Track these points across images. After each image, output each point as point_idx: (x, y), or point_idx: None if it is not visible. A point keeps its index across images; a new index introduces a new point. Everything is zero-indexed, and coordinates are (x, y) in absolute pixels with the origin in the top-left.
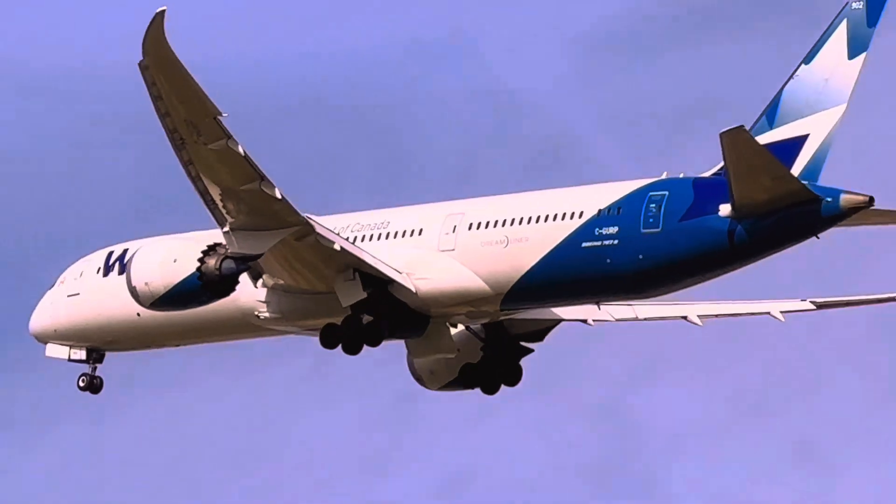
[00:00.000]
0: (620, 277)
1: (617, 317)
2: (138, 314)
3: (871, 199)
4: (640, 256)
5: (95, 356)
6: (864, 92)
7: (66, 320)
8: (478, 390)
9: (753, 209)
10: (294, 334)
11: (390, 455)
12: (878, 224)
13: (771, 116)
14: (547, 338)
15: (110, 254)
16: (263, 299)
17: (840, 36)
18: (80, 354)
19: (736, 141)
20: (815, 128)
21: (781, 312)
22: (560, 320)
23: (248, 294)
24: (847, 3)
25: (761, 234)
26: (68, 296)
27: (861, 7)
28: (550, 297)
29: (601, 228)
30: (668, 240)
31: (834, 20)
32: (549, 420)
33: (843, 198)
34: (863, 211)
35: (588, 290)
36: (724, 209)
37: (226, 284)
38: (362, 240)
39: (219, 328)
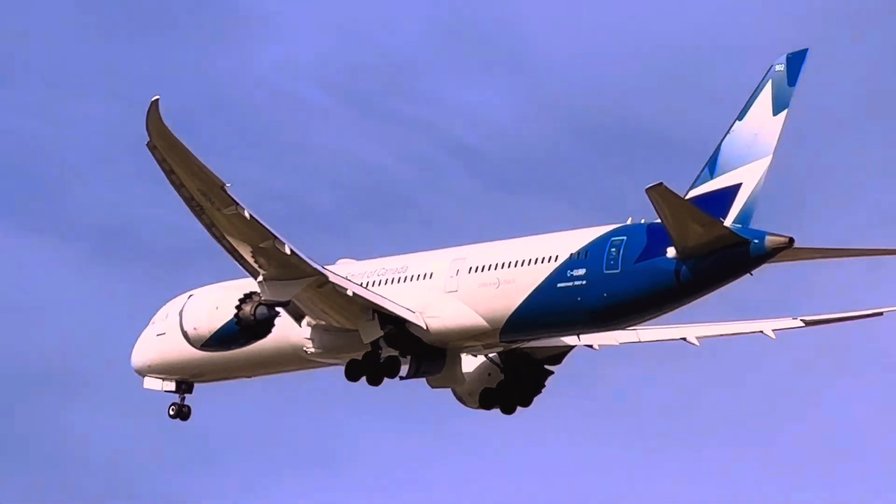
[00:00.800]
0: (589, 313)
1: (620, 341)
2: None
3: (792, 240)
4: (605, 294)
5: (184, 387)
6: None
7: (156, 357)
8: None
9: (693, 251)
10: (337, 365)
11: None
12: (802, 260)
13: (712, 167)
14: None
15: (190, 297)
16: (308, 336)
17: (766, 95)
18: (171, 386)
19: (659, 195)
20: (746, 177)
21: (773, 330)
22: (574, 346)
23: (297, 332)
24: (772, 67)
25: (702, 273)
26: (157, 335)
27: (783, 70)
28: (538, 331)
29: (572, 270)
30: (626, 279)
31: (761, 81)
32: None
33: (768, 239)
34: (786, 249)
35: (566, 324)
36: (671, 251)
37: (261, 328)
38: (386, 283)
39: (277, 362)
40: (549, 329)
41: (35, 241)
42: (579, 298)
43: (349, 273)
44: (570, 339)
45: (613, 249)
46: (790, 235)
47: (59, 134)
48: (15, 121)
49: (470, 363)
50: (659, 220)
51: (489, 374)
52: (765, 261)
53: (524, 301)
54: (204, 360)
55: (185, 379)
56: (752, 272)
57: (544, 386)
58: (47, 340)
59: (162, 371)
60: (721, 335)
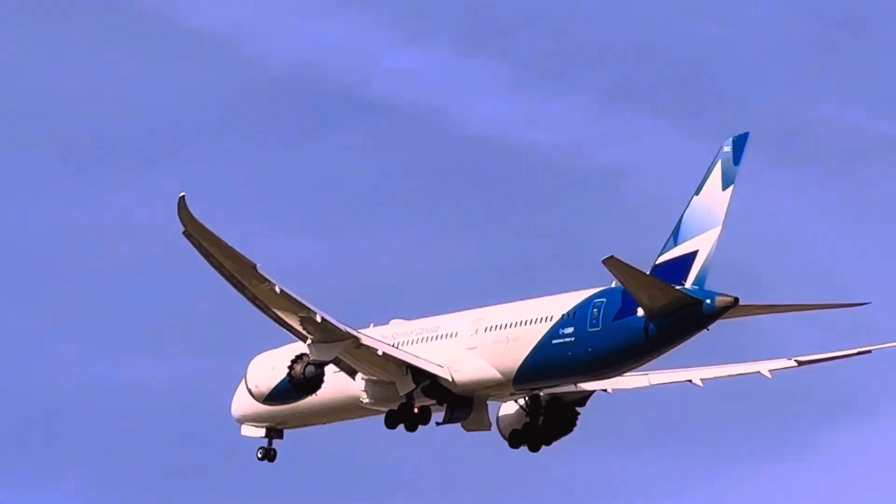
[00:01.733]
0: (578, 365)
1: (632, 386)
2: (308, 401)
3: (737, 299)
4: (589, 349)
5: (273, 434)
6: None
7: (248, 408)
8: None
9: (657, 311)
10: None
11: None
12: (750, 315)
13: (675, 237)
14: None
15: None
16: (363, 389)
17: (717, 172)
18: (261, 433)
19: (612, 266)
20: (701, 245)
21: (770, 371)
22: (594, 391)
23: (354, 386)
24: (721, 148)
25: (666, 330)
26: (248, 388)
27: (730, 150)
28: (541, 380)
29: (563, 329)
30: (605, 336)
31: (713, 160)
32: None
33: (717, 299)
34: (734, 307)
35: (562, 374)
36: (640, 311)
37: (311, 384)
38: (422, 341)
39: (341, 410)
40: (550, 378)
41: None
42: (570, 353)
43: (395, 332)
44: (589, 386)
45: (595, 310)
46: (735, 295)
47: (735, 36)
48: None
49: (511, 407)
50: None
51: (518, 418)
52: (717, 317)
53: (528, 356)
54: (285, 410)
55: (272, 426)
56: (708, 328)
57: (575, 425)
58: None
59: (254, 420)
60: (722, 376)
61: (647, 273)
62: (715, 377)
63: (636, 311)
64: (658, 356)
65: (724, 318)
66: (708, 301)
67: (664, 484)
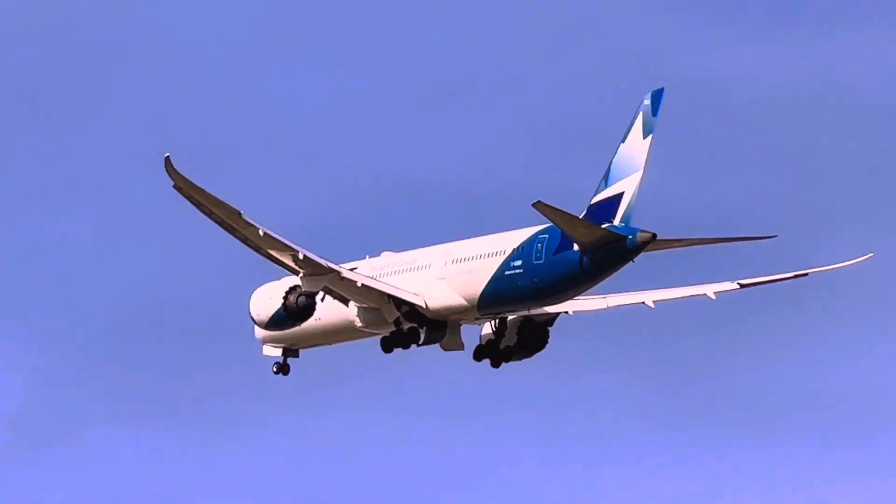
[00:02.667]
0: (527, 293)
1: (592, 307)
2: (311, 324)
3: (654, 235)
4: (535, 279)
5: (289, 353)
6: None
7: (264, 332)
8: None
9: (588, 246)
10: (380, 334)
11: None
12: (670, 248)
13: (606, 180)
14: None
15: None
16: (356, 314)
17: (638, 123)
18: (278, 352)
19: (540, 209)
20: (626, 187)
21: (714, 293)
22: (559, 313)
23: (349, 312)
24: (641, 101)
25: (598, 262)
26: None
27: (648, 103)
28: (500, 307)
29: (513, 262)
30: (547, 267)
31: (635, 112)
32: None
33: (638, 235)
34: (653, 241)
35: (515, 301)
36: (576, 246)
37: (304, 312)
38: (402, 272)
39: (341, 332)
40: (506, 305)
41: None
42: (519, 283)
43: (383, 264)
44: (552, 308)
45: (539, 245)
46: (653, 232)
47: None
48: None
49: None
50: None
51: (487, 337)
52: (640, 251)
53: (486, 285)
54: (294, 333)
55: (286, 346)
56: (634, 259)
57: (547, 342)
58: None
59: (271, 342)
60: (672, 298)
61: (573, 214)
62: (665, 299)
63: (573, 246)
64: (594, 284)
65: (648, 251)
66: (630, 237)
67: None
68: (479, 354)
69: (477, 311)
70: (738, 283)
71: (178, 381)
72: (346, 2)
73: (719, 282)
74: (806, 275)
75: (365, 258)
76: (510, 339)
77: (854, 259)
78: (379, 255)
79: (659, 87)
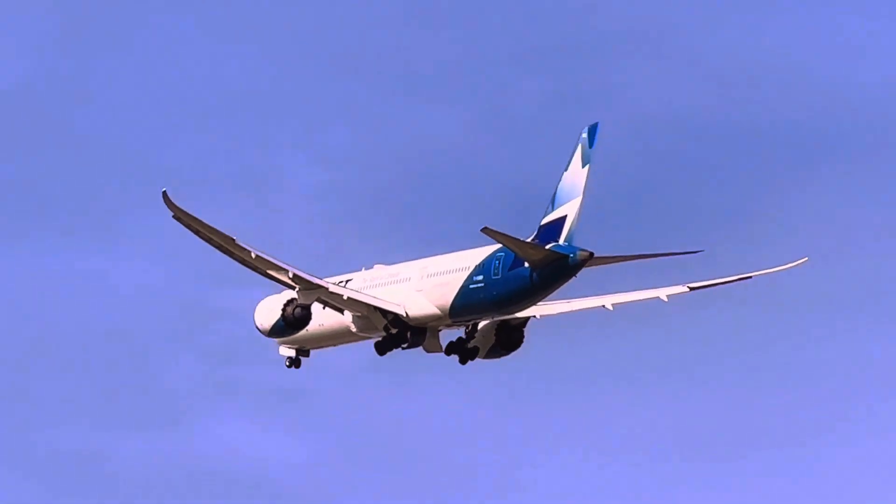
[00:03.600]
0: (488, 304)
1: (557, 311)
2: (307, 330)
3: (592, 254)
4: (494, 292)
5: (300, 352)
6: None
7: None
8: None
9: (536, 264)
10: (373, 338)
11: None
12: (607, 264)
13: (552, 204)
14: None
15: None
16: (351, 321)
17: (578, 153)
18: (292, 352)
19: (489, 234)
20: (569, 210)
21: (667, 296)
22: (530, 317)
23: (346, 318)
24: (580, 133)
25: (545, 278)
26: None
27: (586, 136)
28: (467, 315)
29: (475, 276)
30: (504, 282)
31: (576, 143)
32: None
33: (578, 254)
34: (591, 259)
35: (479, 311)
36: (527, 263)
37: (300, 322)
38: (388, 284)
39: (341, 336)
40: (473, 314)
41: None
42: (482, 295)
43: (373, 276)
44: (522, 313)
45: (496, 262)
46: (591, 250)
47: None
48: None
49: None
50: (527, 240)
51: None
52: (581, 267)
53: (455, 296)
54: (303, 336)
55: (297, 347)
56: (576, 274)
57: (522, 342)
58: None
59: (284, 343)
60: (629, 301)
61: (518, 238)
62: (622, 302)
63: (524, 264)
64: (545, 296)
65: (589, 265)
66: (571, 255)
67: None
68: (449, 350)
69: (449, 319)
70: (688, 286)
71: None
72: None
73: (671, 285)
74: (750, 277)
75: (361, 270)
76: (488, 340)
77: (792, 262)
78: (372, 267)
79: (594, 122)
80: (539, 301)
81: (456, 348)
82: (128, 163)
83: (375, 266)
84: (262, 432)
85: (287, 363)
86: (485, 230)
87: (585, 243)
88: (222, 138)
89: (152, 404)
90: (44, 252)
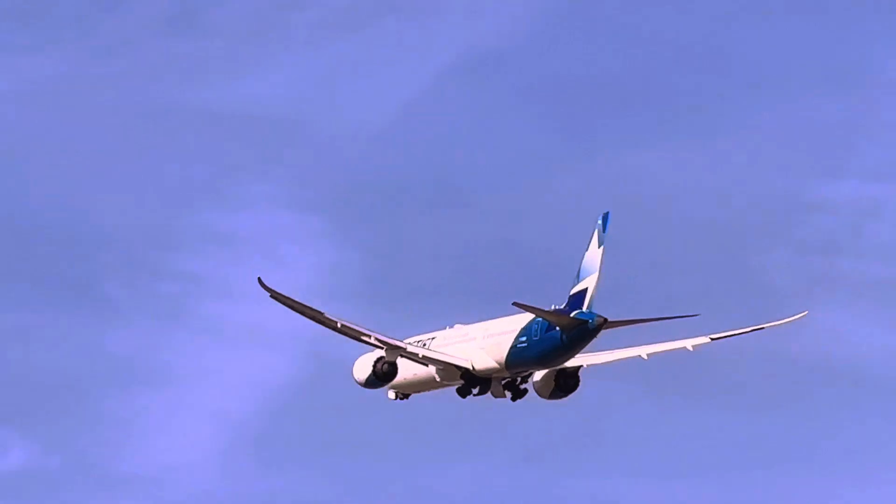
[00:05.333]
0: (532, 359)
1: (601, 361)
2: (405, 378)
3: (606, 319)
4: (535, 351)
5: (402, 396)
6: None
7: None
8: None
9: (564, 328)
10: (455, 385)
11: None
12: (620, 327)
13: (578, 277)
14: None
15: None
16: (435, 372)
17: (596, 236)
18: (392, 395)
19: (519, 306)
20: (589, 284)
21: (692, 346)
22: (580, 366)
23: (431, 370)
24: (596, 221)
25: (572, 339)
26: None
27: (601, 223)
28: (519, 367)
29: (521, 338)
30: (541, 343)
31: (593, 228)
32: None
33: (595, 319)
34: (606, 323)
35: (528, 365)
36: (558, 328)
37: (388, 376)
38: (459, 342)
39: (430, 384)
40: (523, 366)
41: None
42: (526, 353)
43: (448, 335)
44: (572, 363)
45: (535, 326)
46: (605, 316)
47: None
48: None
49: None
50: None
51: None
52: (599, 330)
53: (507, 353)
54: (402, 383)
55: (399, 391)
56: (597, 336)
57: (578, 385)
58: None
59: (391, 389)
60: (661, 351)
61: (543, 308)
62: (655, 352)
63: (556, 328)
64: (575, 354)
65: (607, 328)
66: (591, 321)
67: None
68: (506, 387)
69: (507, 371)
70: (710, 337)
71: None
72: None
73: (695, 336)
74: (762, 328)
75: (445, 328)
76: (548, 385)
77: (793, 317)
78: (453, 326)
79: (606, 210)
80: (572, 357)
81: (508, 387)
82: None
83: (456, 325)
84: None
85: (394, 398)
86: (515, 303)
87: (605, 310)
88: None
89: None
90: None
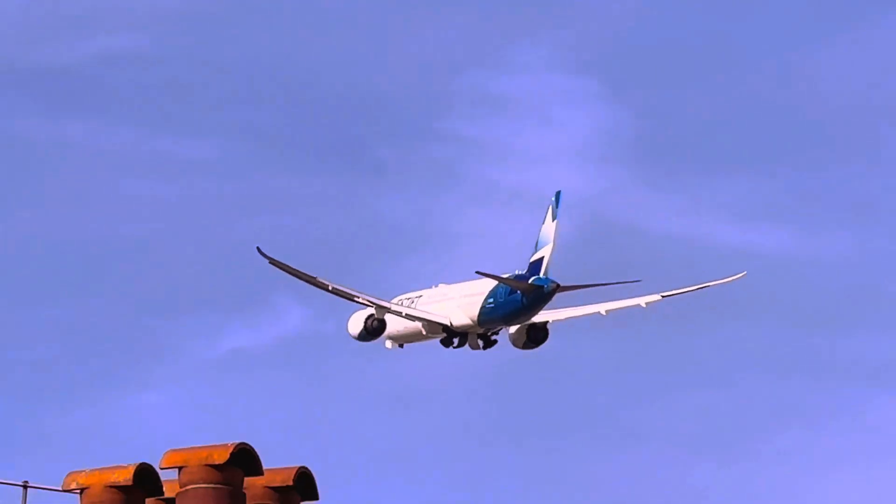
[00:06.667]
0: (499, 319)
1: (565, 316)
2: (397, 331)
3: (559, 284)
4: (501, 311)
5: (399, 345)
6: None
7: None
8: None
9: (524, 291)
10: (438, 337)
11: None
12: (571, 290)
13: (535, 247)
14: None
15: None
16: (421, 327)
17: (550, 211)
18: (389, 344)
19: (485, 275)
20: (545, 253)
21: (646, 303)
22: (547, 321)
23: (417, 324)
24: (551, 198)
25: (531, 301)
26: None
27: (554, 200)
28: (489, 324)
29: (489, 299)
30: (506, 304)
31: (549, 205)
32: None
33: (549, 284)
34: (559, 288)
35: (496, 323)
36: (519, 291)
37: (377, 331)
38: (440, 301)
39: (418, 336)
40: (492, 324)
41: None
42: (494, 312)
43: (431, 294)
44: (539, 318)
45: (501, 290)
46: (558, 282)
47: None
48: None
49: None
50: (522, 272)
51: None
52: (553, 293)
53: (478, 312)
54: (393, 334)
55: (396, 340)
56: (552, 298)
57: (547, 336)
58: None
59: (387, 339)
60: (618, 308)
61: (502, 276)
62: (613, 308)
63: (517, 292)
64: (536, 312)
65: (560, 292)
66: (545, 286)
67: None
68: (479, 338)
69: (479, 327)
70: (661, 295)
71: None
72: None
73: (649, 294)
74: (708, 286)
75: (431, 287)
76: (521, 337)
77: (733, 276)
78: (438, 285)
79: (558, 190)
80: (533, 315)
81: (482, 338)
82: None
83: (440, 285)
84: None
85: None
86: (478, 272)
87: (558, 276)
88: None
89: None
90: None
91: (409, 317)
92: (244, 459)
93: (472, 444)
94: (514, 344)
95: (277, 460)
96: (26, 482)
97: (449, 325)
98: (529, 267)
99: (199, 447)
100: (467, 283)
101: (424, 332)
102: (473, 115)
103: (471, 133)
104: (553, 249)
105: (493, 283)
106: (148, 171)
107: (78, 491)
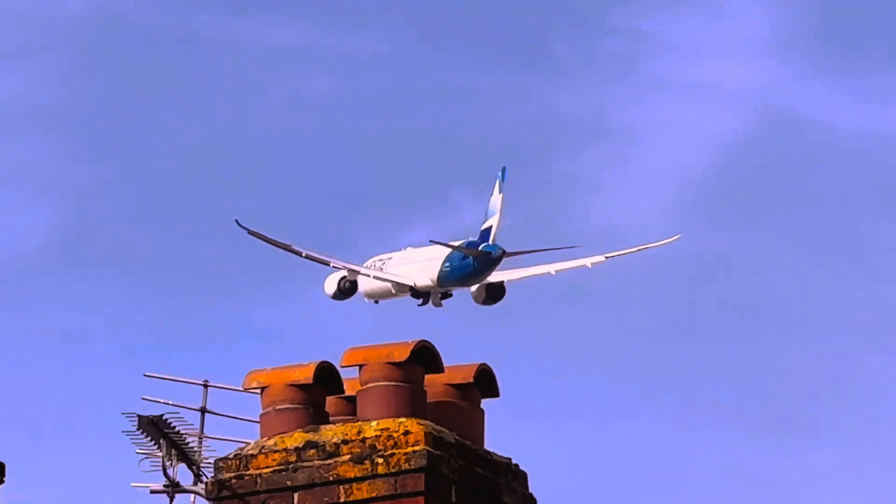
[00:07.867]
0: (454, 281)
1: (518, 276)
2: (372, 289)
3: (505, 251)
4: (456, 274)
5: (374, 301)
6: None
7: (362, 288)
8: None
9: (476, 257)
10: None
11: None
12: (516, 256)
13: (486, 215)
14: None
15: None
16: (391, 286)
17: (497, 184)
18: (366, 300)
19: (436, 243)
20: (493, 223)
21: (591, 263)
22: (503, 280)
23: (389, 285)
24: (498, 171)
25: (481, 265)
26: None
27: (500, 174)
28: (448, 286)
29: (446, 263)
30: (460, 268)
31: (497, 176)
32: None
33: (496, 251)
34: (505, 254)
35: (453, 284)
36: (471, 257)
37: (349, 291)
38: (405, 263)
39: (390, 294)
40: (450, 285)
41: None
42: (450, 276)
43: (399, 256)
44: (494, 278)
45: (456, 255)
46: (504, 248)
47: None
48: None
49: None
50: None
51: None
52: (501, 259)
53: (437, 275)
54: (368, 292)
55: (372, 298)
56: (500, 263)
57: (504, 294)
58: None
59: (364, 296)
60: (566, 268)
61: (454, 244)
62: (561, 269)
63: (470, 257)
64: (488, 275)
65: (506, 257)
66: (493, 252)
67: None
68: (442, 297)
69: (439, 288)
70: (605, 256)
71: None
72: None
73: (592, 255)
74: (648, 248)
75: (400, 250)
76: (481, 294)
77: (668, 239)
78: (405, 248)
79: (503, 165)
80: (486, 277)
81: (444, 297)
82: None
83: (407, 248)
84: None
85: (367, 301)
86: (432, 241)
87: (506, 243)
88: None
89: None
90: None
91: (377, 278)
92: (425, 357)
93: None
94: (476, 300)
95: (457, 358)
96: (206, 381)
97: (413, 286)
98: (480, 234)
99: (380, 345)
100: (429, 247)
101: (394, 291)
102: (651, 7)
103: (647, 26)
104: (500, 219)
105: (448, 250)
106: (320, 67)
107: (258, 390)
